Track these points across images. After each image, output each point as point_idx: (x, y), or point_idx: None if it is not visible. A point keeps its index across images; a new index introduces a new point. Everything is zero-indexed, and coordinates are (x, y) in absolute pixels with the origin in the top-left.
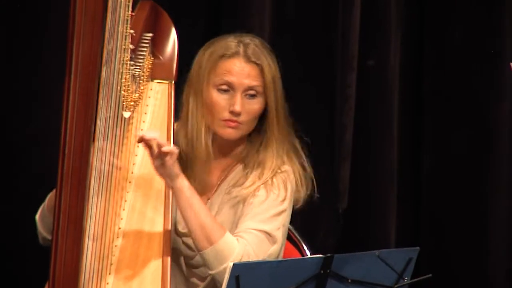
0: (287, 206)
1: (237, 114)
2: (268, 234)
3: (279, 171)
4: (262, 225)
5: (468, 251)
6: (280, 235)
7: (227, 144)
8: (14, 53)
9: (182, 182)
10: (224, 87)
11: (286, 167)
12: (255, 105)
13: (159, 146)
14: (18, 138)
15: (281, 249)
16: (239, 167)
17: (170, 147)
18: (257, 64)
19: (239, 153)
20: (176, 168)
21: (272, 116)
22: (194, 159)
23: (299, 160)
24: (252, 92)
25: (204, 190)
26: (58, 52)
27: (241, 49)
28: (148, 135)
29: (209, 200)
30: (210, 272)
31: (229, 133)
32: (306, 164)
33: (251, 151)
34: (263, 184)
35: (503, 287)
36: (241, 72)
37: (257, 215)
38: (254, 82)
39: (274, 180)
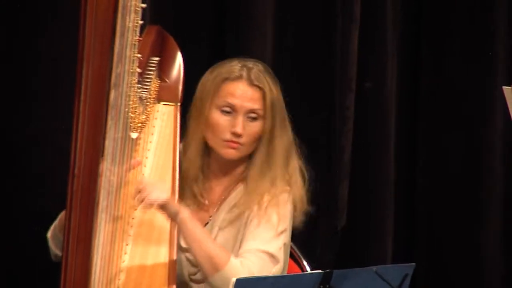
0: (287, 226)
1: (239, 136)
2: (270, 255)
3: (278, 192)
4: (264, 246)
5: (463, 268)
6: (282, 254)
7: (228, 164)
8: (14, 53)
9: (183, 215)
10: (227, 109)
11: (286, 188)
12: (256, 127)
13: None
14: (18, 138)
15: (284, 267)
16: (241, 187)
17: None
18: (260, 88)
19: (240, 173)
20: (172, 207)
21: (267, 141)
22: (193, 180)
23: (300, 179)
24: (253, 115)
25: (202, 208)
26: (58, 53)
27: (244, 73)
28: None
29: (210, 218)
30: (212, 281)
31: (230, 153)
32: (306, 183)
33: (252, 173)
34: (267, 204)
35: None
36: (243, 95)
37: (259, 235)
38: (256, 105)
39: (274, 200)
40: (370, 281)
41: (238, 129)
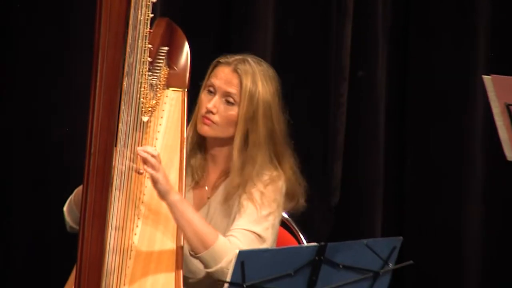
0: (275, 209)
1: (210, 112)
2: (257, 235)
3: (259, 177)
4: (252, 226)
5: (446, 241)
6: (269, 235)
7: (216, 147)
8: (40, 44)
9: (174, 198)
10: (211, 88)
11: (275, 173)
12: (230, 111)
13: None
14: (49, 138)
15: (272, 246)
16: (229, 177)
17: (152, 154)
18: (238, 75)
19: (227, 157)
20: (163, 187)
21: (241, 130)
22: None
23: (290, 165)
24: (230, 99)
25: (200, 190)
26: (77, 44)
27: (235, 62)
28: (143, 153)
29: (208, 199)
30: (207, 270)
31: (204, 129)
32: (297, 168)
33: (236, 158)
34: (254, 188)
35: (478, 273)
36: (224, 77)
37: (248, 216)
38: (233, 89)
39: (264, 184)
40: (361, 253)
41: (210, 105)
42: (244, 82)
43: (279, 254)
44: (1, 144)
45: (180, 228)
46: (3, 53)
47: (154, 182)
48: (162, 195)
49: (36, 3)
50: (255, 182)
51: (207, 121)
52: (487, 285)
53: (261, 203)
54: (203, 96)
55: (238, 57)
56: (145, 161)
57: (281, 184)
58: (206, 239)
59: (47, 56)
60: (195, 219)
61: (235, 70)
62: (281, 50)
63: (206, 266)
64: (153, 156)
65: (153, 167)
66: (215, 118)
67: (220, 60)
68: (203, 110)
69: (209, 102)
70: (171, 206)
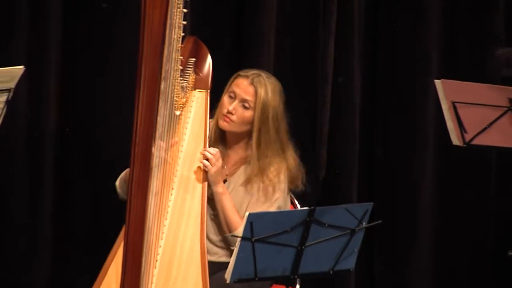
0: (281, 194)
1: (230, 113)
2: (275, 206)
3: (273, 166)
4: (262, 208)
5: (405, 206)
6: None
7: (233, 139)
8: (100, 56)
9: (218, 189)
10: (232, 94)
11: (282, 164)
12: (246, 113)
13: (205, 156)
14: (105, 129)
15: None
16: (245, 166)
17: (209, 155)
18: (255, 87)
19: (246, 150)
20: (214, 178)
21: (257, 129)
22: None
23: (293, 156)
24: (246, 104)
25: (222, 169)
26: (126, 56)
27: (251, 76)
28: (206, 152)
29: (227, 177)
30: (227, 236)
31: (223, 124)
32: (297, 159)
33: (253, 151)
34: (267, 177)
35: (430, 229)
36: (243, 87)
37: (260, 199)
38: (248, 97)
39: (271, 175)
40: (342, 215)
41: (230, 108)
42: (259, 92)
43: (279, 215)
44: (73, 132)
45: (218, 210)
46: (69, 59)
47: (208, 172)
48: (211, 183)
49: (95, 26)
50: (267, 173)
51: (226, 119)
52: (437, 239)
53: (272, 190)
54: (225, 99)
55: (254, 71)
56: (205, 157)
57: (287, 173)
58: (232, 225)
59: (103, 62)
60: (230, 209)
61: (252, 83)
62: (280, 61)
63: (226, 243)
64: (212, 154)
65: (210, 161)
66: (233, 117)
67: (240, 74)
68: (225, 110)
69: (230, 105)
70: (215, 194)
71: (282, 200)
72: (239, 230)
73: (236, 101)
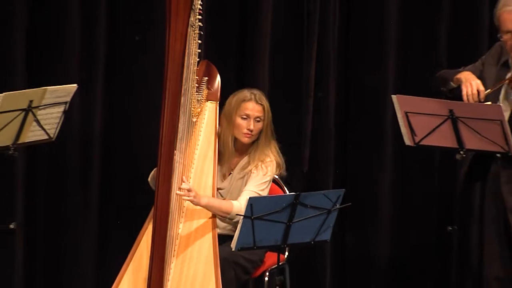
0: (269, 179)
1: (251, 131)
2: (257, 193)
3: (266, 160)
4: (255, 188)
5: (369, 191)
6: (264, 193)
7: (243, 145)
8: (135, 76)
9: (203, 202)
10: (245, 116)
11: (270, 157)
12: (259, 126)
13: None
14: (133, 120)
15: None
16: (246, 158)
17: (185, 190)
18: (261, 105)
19: (247, 150)
20: (197, 202)
21: (263, 132)
22: (224, 153)
23: (275, 148)
24: (258, 119)
25: (227, 169)
26: (154, 77)
27: (253, 96)
28: (180, 192)
29: (230, 174)
30: (227, 218)
31: (246, 140)
32: (279, 151)
33: (253, 150)
34: (255, 167)
35: (388, 208)
36: (253, 109)
37: (253, 182)
38: (260, 114)
39: (263, 165)
40: (320, 198)
41: (251, 127)
42: (265, 107)
43: (273, 199)
44: (114, 135)
45: (211, 211)
46: (111, 78)
47: (192, 202)
48: (197, 204)
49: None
50: (261, 163)
51: (248, 135)
52: (393, 217)
53: (261, 175)
54: (239, 120)
55: (253, 92)
56: (184, 194)
57: (273, 164)
58: (226, 210)
59: (137, 80)
60: (216, 204)
61: (258, 102)
62: (273, 76)
63: (231, 219)
64: (188, 190)
65: (188, 196)
66: (253, 133)
67: (244, 99)
68: (244, 130)
69: (248, 125)
70: (204, 206)
71: (269, 184)
72: (235, 210)
73: (251, 120)
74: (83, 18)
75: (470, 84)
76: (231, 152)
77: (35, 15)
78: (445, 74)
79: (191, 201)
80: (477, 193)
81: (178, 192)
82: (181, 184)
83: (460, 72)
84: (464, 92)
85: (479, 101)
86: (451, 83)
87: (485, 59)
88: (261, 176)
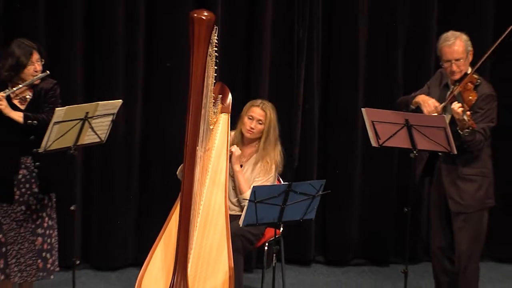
0: (273, 173)
1: (253, 128)
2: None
3: (271, 157)
4: (263, 181)
5: (346, 180)
6: (270, 183)
7: (249, 141)
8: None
9: (236, 168)
10: (250, 117)
11: (273, 155)
12: (260, 127)
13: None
14: (165, 137)
15: None
16: (255, 156)
17: (235, 151)
18: (265, 111)
19: (256, 147)
20: (236, 160)
21: (265, 134)
22: (234, 143)
23: (280, 151)
24: (260, 121)
25: (241, 159)
26: (182, 98)
27: (261, 105)
28: (232, 149)
29: (243, 162)
30: (239, 198)
31: (248, 135)
32: (282, 152)
33: (260, 150)
34: (261, 163)
35: (361, 195)
36: (258, 113)
37: (262, 176)
38: (262, 118)
39: (269, 162)
40: (307, 187)
41: (253, 126)
42: (267, 114)
43: (271, 187)
44: (150, 138)
45: (235, 181)
46: (149, 96)
47: (233, 155)
48: (233, 164)
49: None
50: (266, 160)
51: (250, 132)
52: (363, 202)
53: (268, 170)
54: (246, 119)
55: (260, 101)
56: (233, 152)
57: (275, 163)
58: (241, 190)
59: (170, 97)
60: (242, 181)
61: (262, 109)
62: (271, 92)
63: (239, 202)
64: (236, 150)
65: (237, 152)
66: (254, 131)
67: (254, 104)
68: (248, 127)
69: (251, 124)
70: (234, 171)
71: (273, 178)
72: (246, 194)
73: (254, 121)
74: (126, 52)
75: (428, 104)
76: (239, 142)
77: (91, 50)
78: (404, 99)
79: (232, 159)
80: (426, 183)
81: (231, 149)
82: (232, 148)
83: (416, 96)
84: (425, 111)
85: (438, 114)
86: (411, 106)
87: (430, 83)
88: (267, 170)
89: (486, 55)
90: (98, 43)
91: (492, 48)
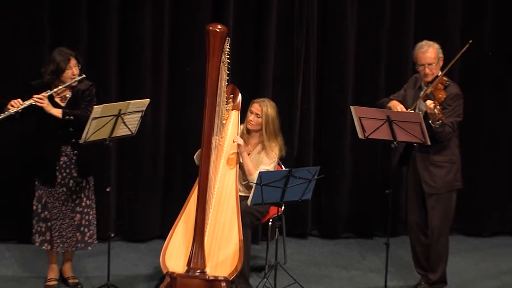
0: (275, 159)
1: (252, 121)
2: (269, 167)
3: (272, 146)
4: (266, 166)
5: (335, 167)
6: (272, 169)
7: (253, 132)
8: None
9: (243, 153)
10: (251, 111)
11: (275, 144)
12: (258, 120)
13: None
14: (186, 129)
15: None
16: (260, 146)
17: (239, 141)
18: (261, 107)
19: (254, 136)
20: (242, 151)
21: (263, 128)
22: (243, 135)
23: (281, 141)
24: (258, 115)
25: (248, 148)
26: (200, 97)
27: (260, 102)
28: (236, 140)
29: (249, 154)
30: (248, 182)
31: (249, 127)
32: (283, 142)
33: (263, 140)
34: (266, 153)
35: (348, 183)
36: (256, 108)
37: (265, 162)
38: (259, 112)
39: (271, 150)
40: (305, 172)
41: (251, 118)
42: (263, 109)
43: (274, 173)
44: (173, 131)
45: (244, 165)
46: (172, 96)
47: (240, 146)
48: (240, 152)
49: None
50: (269, 149)
51: (251, 123)
52: (351, 186)
53: (271, 157)
54: (249, 114)
55: (264, 99)
56: (238, 143)
57: (278, 150)
58: (250, 170)
59: (190, 96)
60: (249, 165)
61: (260, 105)
62: (275, 94)
63: (247, 186)
64: (240, 140)
65: (241, 143)
66: (253, 123)
67: (254, 101)
68: (249, 120)
69: (251, 117)
70: (242, 157)
71: (275, 163)
72: (254, 177)
73: (253, 115)
74: (153, 59)
75: (396, 108)
76: (245, 133)
77: (123, 56)
78: (382, 102)
79: (239, 146)
80: (404, 169)
81: (235, 140)
82: (236, 139)
83: (390, 100)
84: None
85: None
86: (386, 107)
87: (406, 86)
88: (269, 159)
89: (452, 62)
90: (129, 50)
91: (456, 58)
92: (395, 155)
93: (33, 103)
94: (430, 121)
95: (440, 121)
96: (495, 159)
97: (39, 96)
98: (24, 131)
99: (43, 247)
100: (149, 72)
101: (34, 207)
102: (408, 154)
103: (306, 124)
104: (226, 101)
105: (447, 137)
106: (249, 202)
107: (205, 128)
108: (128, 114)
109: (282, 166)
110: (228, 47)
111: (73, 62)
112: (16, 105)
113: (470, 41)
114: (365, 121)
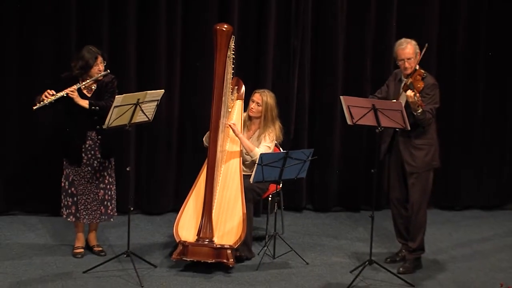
0: (272, 141)
1: (253, 108)
2: (268, 147)
3: (270, 130)
4: (266, 145)
5: (327, 150)
6: (270, 149)
7: (254, 119)
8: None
9: (240, 135)
10: (252, 100)
11: (273, 129)
12: (258, 108)
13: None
14: (197, 116)
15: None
16: (258, 131)
17: (230, 123)
18: (262, 97)
19: (255, 123)
20: (237, 132)
21: (262, 115)
22: (246, 121)
23: (279, 126)
24: (259, 103)
25: (249, 134)
26: (209, 87)
27: (260, 92)
28: (227, 122)
29: (251, 137)
30: (250, 157)
31: (251, 113)
32: (281, 128)
33: (262, 126)
34: (265, 136)
35: (338, 161)
36: (257, 97)
37: (263, 143)
38: (259, 101)
39: (268, 134)
40: (300, 154)
41: (252, 106)
42: (263, 98)
43: (273, 154)
44: (185, 116)
45: (242, 145)
46: (184, 87)
47: (234, 131)
48: (236, 134)
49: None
50: (267, 133)
51: (252, 111)
52: (340, 163)
53: (269, 139)
54: (250, 102)
55: (264, 90)
56: (232, 126)
57: (276, 134)
58: (250, 148)
59: (199, 88)
60: (247, 142)
61: (260, 95)
62: (274, 86)
63: (249, 165)
64: (234, 124)
65: (234, 126)
66: (254, 110)
67: (256, 91)
68: (250, 108)
69: (252, 105)
70: (239, 138)
71: (272, 145)
72: (254, 153)
73: (254, 103)
74: (167, 54)
75: None
76: (246, 120)
77: (141, 52)
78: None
79: (234, 130)
80: (387, 150)
81: (228, 123)
82: (230, 122)
83: (375, 97)
84: None
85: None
86: None
87: (388, 81)
88: (268, 140)
89: (419, 57)
90: (146, 47)
91: (421, 54)
92: (382, 145)
93: (65, 95)
94: (412, 110)
95: (421, 108)
96: (468, 142)
97: (71, 88)
98: (54, 118)
99: (69, 219)
100: (164, 66)
101: (62, 184)
102: (392, 144)
103: (301, 112)
104: (231, 92)
105: (428, 122)
106: (251, 180)
107: (213, 115)
108: (145, 103)
109: (280, 148)
110: (233, 44)
111: (100, 59)
112: (49, 95)
113: (426, 45)
114: (353, 109)
